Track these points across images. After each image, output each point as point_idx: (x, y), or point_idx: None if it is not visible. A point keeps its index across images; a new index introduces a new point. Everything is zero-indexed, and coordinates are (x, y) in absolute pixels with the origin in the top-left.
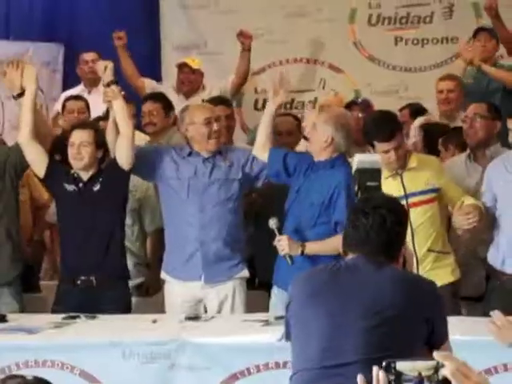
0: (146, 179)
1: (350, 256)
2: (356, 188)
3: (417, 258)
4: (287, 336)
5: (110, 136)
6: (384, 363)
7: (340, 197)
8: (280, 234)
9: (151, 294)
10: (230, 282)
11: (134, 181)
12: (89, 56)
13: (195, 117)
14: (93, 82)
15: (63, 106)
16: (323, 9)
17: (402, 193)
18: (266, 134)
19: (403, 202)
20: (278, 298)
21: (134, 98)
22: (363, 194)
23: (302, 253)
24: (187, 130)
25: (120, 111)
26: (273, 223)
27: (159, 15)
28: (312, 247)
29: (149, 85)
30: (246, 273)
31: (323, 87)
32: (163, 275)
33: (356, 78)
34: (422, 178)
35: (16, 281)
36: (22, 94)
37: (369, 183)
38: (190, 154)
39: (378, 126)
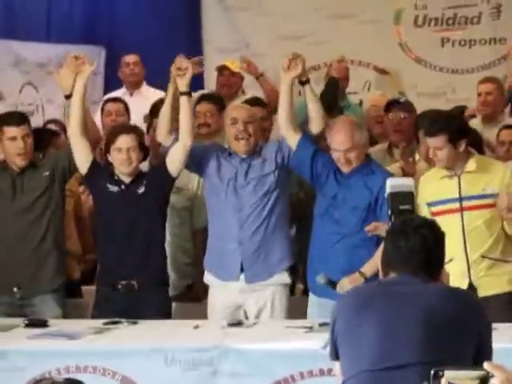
0: (192, 172)
1: (392, 275)
2: (389, 212)
3: (468, 263)
4: (334, 355)
5: (163, 122)
6: (432, 372)
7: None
8: (334, 285)
9: (199, 297)
10: (269, 289)
11: (185, 179)
12: (130, 58)
13: (226, 117)
14: (134, 84)
15: (102, 109)
16: (367, 10)
17: (457, 195)
18: (287, 112)
19: (456, 205)
20: (315, 306)
21: None
22: (397, 217)
23: (366, 279)
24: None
25: (187, 113)
26: (321, 279)
27: (201, 17)
28: (370, 270)
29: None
30: (286, 278)
31: (368, 89)
32: (206, 276)
33: (401, 79)
34: (481, 181)
35: (61, 288)
36: (71, 96)
37: (402, 207)
38: (230, 155)
39: (429, 120)
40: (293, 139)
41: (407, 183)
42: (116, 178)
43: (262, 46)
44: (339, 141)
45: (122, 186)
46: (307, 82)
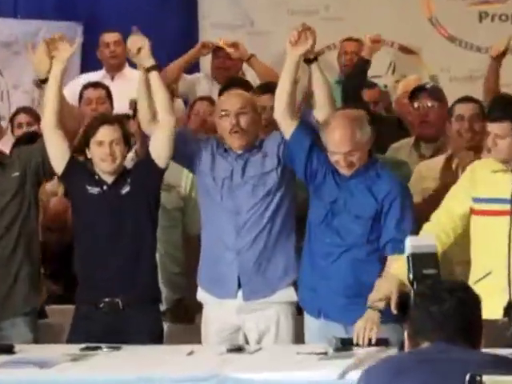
0: (182, 166)
1: (425, 344)
2: (411, 276)
3: (509, 277)
4: None
5: (142, 107)
6: (468, 375)
7: (393, 208)
8: (350, 342)
9: (191, 314)
10: (272, 308)
11: (177, 175)
12: (110, 37)
13: (217, 108)
14: (116, 67)
15: (80, 96)
16: None
17: (509, 195)
18: (288, 94)
19: (507, 207)
20: (314, 330)
21: None
22: (420, 283)
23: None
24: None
25: (160, 88)
26: (334, 344)
27: None
28: (379, 300)
29: (184, 85)
30: (292, 295)
31: (393, 72)
32: (199, 292)
33: (432, 61)
34: None
35: (34, 311)
36: (47, 81)
37: (425, 271)
38: (225, 151)
39: (495, 103)
40: (288, 128)
41: (430, 243)
42: (96, 177)
43: (268, 23)
44: (338, 142)
45: (104, 187)
46: (315, 59)
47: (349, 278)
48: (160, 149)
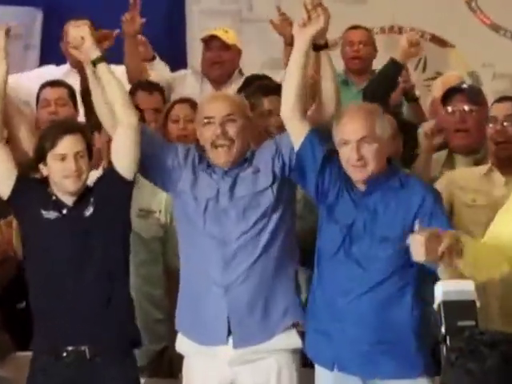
0: (155, 183)
1: None
2: (443, 330)
3: None
4: None
5: (99, 108)
6: None
7: (435, 219)
8: None
9: (175, 369)
10: (271, 357)
11: (154, 198)
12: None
13: (198, 113)
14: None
15: (37, 97)
16: None
17: None
18: (298, 87)
19: None
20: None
21: None
22: (454, 338)
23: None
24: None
25: (112, 83)
26: None
27: None
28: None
29: (156, 77)
30: (295, 340)
31: (423, 69)
32: (178, 339)
33: (472, 55)
34: None
35: None
36: None
37: (461, 323)
38: (209, 166)
39: None
40: (298, 131)
41: (467, 288)
42: (54, 198)
43: (270, 8)
44: (351, 129)
45: (63, 211)
46: (325, 46)
47: (373, 321)
48: (123, 154)
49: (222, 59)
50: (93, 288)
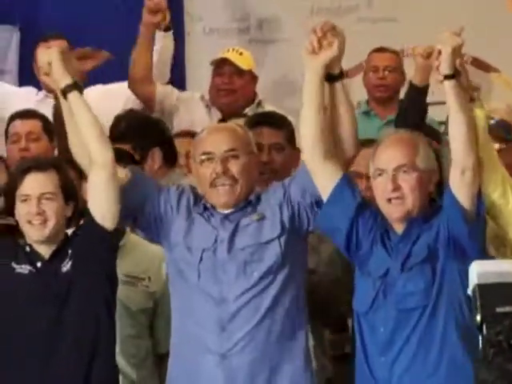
0: (143, 234)
1: None
2: (478, 318)
3: None
4: None
5: (73, 146)
6: None
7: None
8: None
9: None
10: None
11: (144, 261)
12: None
13: (195, 148)
14: None
15: (6, 131)
16: None
17: None
18: (316, 123)
19: None
20: None
21: None
22: (492, 326)
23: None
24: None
25: (84, 115)
26: None
27: None
28: None
29: (162, 93)
30: None
31: None
32: None
33: None
34: None
35: None
36: None
37: (499, 309)
38: (206, 209)
39: None
40: (325, 174)
41: (507, 269)
42: (27, 249)
43: (285, 27)
44: (387, 157)
45: (38, 264)
46: (341, 76)
47: (428, 366)
48: (98, 199)
49: (233, 86)
50: (70, 360)
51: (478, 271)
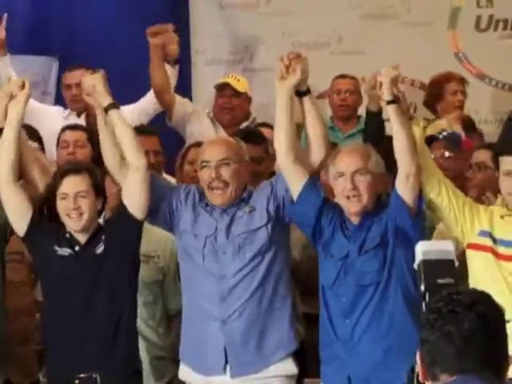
0: (158, 225)
1: (446, 379)
2: (422, 288)
3: None
4: None
5: (106, 150)
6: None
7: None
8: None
9: None
10: (267, 382)
11: (152, 243)
12: (72, 77)
13: (198, 158)
14: (81, 110)
15: (58, 139)
16: (413, 9)
17: None
18: (287, 134)
19: None
20: None
21: (156, 122)
22: (433, 295)
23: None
24: None
25: (123, 128)
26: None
27: (188, 20)
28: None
29: (181, 103)
30: (291, 367)
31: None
32: (181, 370)
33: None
34: None
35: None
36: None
37: (440, 280)
38: (207, 205)
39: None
40: (294, 177)
41: (446, 248)
42: (67, 236)
43: (271, 58)
44: (346, 162)
45: (76, 248)
46: (307, 92)
47: (382, 328)
48: (133, 196)
49: (232, 105)
50: (102, 321)
51: (423, 250)
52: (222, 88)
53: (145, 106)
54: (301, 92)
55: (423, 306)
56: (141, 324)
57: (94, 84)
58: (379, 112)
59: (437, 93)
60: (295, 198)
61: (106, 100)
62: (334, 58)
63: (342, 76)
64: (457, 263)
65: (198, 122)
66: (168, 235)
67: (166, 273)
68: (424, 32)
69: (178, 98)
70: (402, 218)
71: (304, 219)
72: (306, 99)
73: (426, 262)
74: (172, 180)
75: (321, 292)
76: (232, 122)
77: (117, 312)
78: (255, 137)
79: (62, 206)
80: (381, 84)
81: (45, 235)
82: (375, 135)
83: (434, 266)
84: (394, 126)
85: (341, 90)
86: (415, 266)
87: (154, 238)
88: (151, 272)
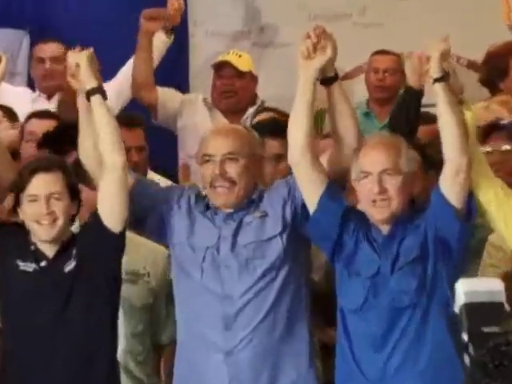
0: (150, 235)
1: None
2: (465, 337)
3: None
4: None
5: (85, 148)
6: None
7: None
8: None
9: None
10: None
11: (141, 259)
12: (46, 50)
13: (199, 150)
14: (53, 89)
15: (21, 128)
16: None
17: None
18: (306, 127)
19: None
20: None
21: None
22: (478, 346)
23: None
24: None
25: (104, 120)
26: None
27: None
28: None
29: (165, 97)
30: None
31: None
32: None
33: None
34: None
35: None
36: None
37: (486, 329)
38: (208, 208)
39: None
40: (312, 179)
41: (495, 287)
42: (32, 248)
43: (285, 31)
44: (372, 160)
45: (43, 263)
46: (335, 78)
47: (421, 363)
48: (109, 203)
49: (234, 88)
50: (71, 354)
51: (465, 289)
52: (221, 67)
53: (123, 86)
54: (329, 78)
55: (466, 359)
56: (127, 359)
57: (77, 63)
58: (420, 92)
59: (500, 67)
60: (312, 206)
61: (91, 83)
62: (357, 31)
63: (381, 52)
64: (507, 307)
65: (191, 112)
66: (159, 247)
67: (157, 295)
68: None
69: (162, 92)
70: (445, 223)
71: (323, 232)
72: (335, 87)
73: (469, 306)
74: (161, 180)
75: (340, 317)
76: (234, 109)
77: (91, 344)
78: (279, 129)
79: (31, 211)
80: (428, 58)
81: (7, 247)
82: (410, 118)
83: (479, 311)
84: (441, 109)
85: (379, 69)
86: (456, 309)
87: (142, 250)
88: (141, 294)
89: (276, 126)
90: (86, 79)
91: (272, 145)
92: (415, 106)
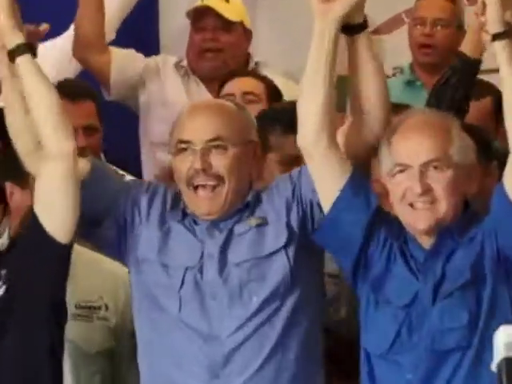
0: (106, 251)
1: None
2: None
3: None
4: None
5: (14, 129)
6: None
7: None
8: None
9: None
10: None
11: (98, 282)
12: None
13: (171, 136)
14: None
15: None
16: None
17: None
18: (322, 96)
19: None
20: None
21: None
22: None
23: None
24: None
25: (38, 88)
26: None
27: None
28: None
29: (119, 61)
30: None
31: None
32: None
33: None
34: None
35: None
36: None
37: None
38: (185, 215)
39: None
40: (329, 170)
41: None
42: None
43: None
44: (412, 148)
45: None
46: (364, 26)
47: None
48: (52, 203)
49: (219, 44)
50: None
51: (507, 341)
52: (201, 16)
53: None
54: (354, 26)
55: None
56: None
57: None
58: (478, 61)
59: None
60: (328, 205)
61: (15, 38)
62: None
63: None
64: None
65: (158, 81)
66: (121, 268)
67: (119, 336)
68: None
69: (116, 54)
70: (510, 234)
71: (342, 239)
72: (361, 38)
73: (510, 361)
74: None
75: (364, 361)
76: (219, 74)
77: (32, 369)
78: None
79: None
80: (484, 7)
81: None
82: (456, 100)
83: None
84: (503, 73)
85: (426, 20)
86: (494, 364)
87: (96, 273)
88: (96, 336)
89: (294, 116)
90: (9, 34)
91: (287, 143)
92: (467, 82)
